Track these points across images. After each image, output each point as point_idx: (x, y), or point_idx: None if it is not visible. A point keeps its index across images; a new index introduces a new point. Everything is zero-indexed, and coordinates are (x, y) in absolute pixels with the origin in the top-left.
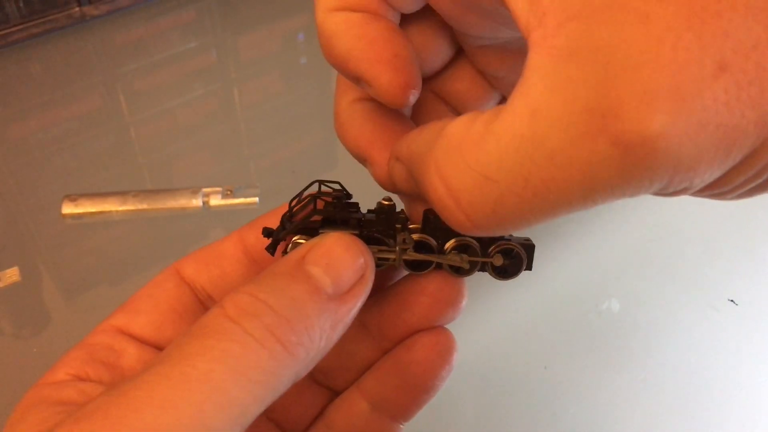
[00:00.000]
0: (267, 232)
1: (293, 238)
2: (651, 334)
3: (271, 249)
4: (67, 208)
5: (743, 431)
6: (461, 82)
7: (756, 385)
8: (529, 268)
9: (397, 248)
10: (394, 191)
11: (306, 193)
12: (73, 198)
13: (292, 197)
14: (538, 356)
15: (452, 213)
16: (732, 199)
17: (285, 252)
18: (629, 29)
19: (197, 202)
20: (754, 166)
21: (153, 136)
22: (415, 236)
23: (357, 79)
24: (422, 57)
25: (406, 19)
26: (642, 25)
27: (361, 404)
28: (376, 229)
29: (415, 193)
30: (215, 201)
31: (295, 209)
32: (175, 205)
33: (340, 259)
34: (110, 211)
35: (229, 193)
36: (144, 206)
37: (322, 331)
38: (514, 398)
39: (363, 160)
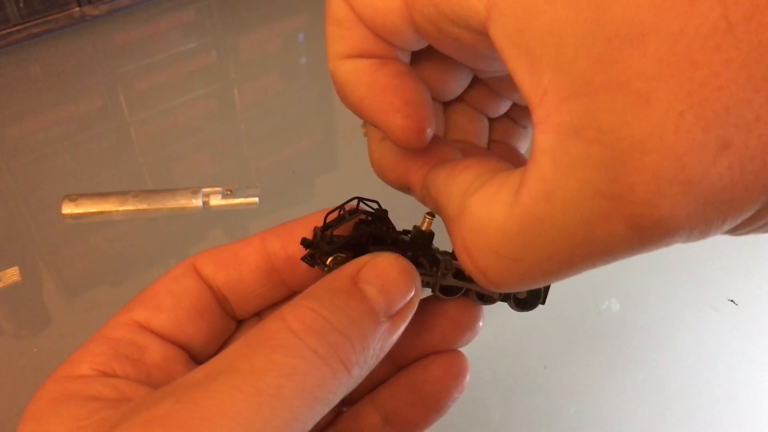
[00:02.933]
0: (307, 243)
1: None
2: (651, 333)
3: (310, 260)
4: (67, 208)
5: (743, 431)
6: (478, 93)
7: (756, 384)
8: (543, 302)
9: (439, 273)
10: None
11: (346, 207)
12: (73, 198)
13: (329, 210)
14: (538, 356)
15: (481, 281)
16: (757, 233)
17: (327, 266)
18: (631, 111)
19: (197, 202)
20: (763, 218)
21: (153, 136)
22: (455, 262)
23: (372, 125)
24: (439, 88)
25: (419, 54)
26: (644, 108)
27: (373, 416)
28: (420, 252)
29: None
30: (215, 201)
31: (328, 221)
32: (175, 205)
33: (395, 282)
34: (110, 211)
35: (229, 193)
36: (144, 206)
37: (374, 351)
38: (514, 398)
39: (405, 189)
